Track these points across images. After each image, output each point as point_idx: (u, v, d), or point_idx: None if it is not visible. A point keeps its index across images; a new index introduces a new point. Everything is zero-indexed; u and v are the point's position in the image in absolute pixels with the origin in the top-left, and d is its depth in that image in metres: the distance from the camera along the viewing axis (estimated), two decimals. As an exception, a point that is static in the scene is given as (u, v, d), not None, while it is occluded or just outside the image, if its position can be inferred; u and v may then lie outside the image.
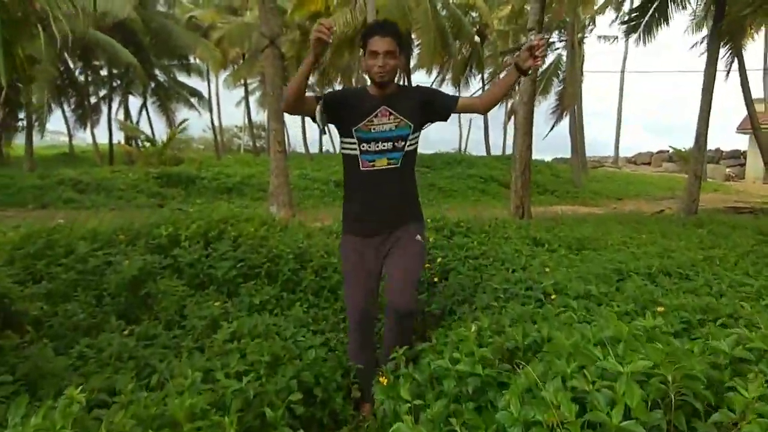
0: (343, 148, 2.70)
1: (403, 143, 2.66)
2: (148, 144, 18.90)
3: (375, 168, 2.65)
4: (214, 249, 4.06)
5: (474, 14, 24.03)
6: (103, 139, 25.95)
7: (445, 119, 2.81)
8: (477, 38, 23.86)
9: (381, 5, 16.71)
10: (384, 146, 2.63)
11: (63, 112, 25.94)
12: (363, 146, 2.63)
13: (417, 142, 2.75)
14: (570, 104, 21.43)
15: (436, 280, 3.86)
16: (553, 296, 3.16)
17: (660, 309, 2.51)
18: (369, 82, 2.70)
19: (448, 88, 25.72)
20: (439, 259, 4.17)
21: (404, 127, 2.64)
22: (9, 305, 3.02)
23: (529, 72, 2.66)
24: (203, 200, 12.64)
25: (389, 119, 2.62)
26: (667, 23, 15.26)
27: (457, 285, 3.63)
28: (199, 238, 4.24)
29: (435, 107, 2.74)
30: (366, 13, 14.40)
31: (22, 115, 21.09)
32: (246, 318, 3.08)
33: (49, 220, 8.76)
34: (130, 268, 3.63)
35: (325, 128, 2.60)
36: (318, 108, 2.47)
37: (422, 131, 2.81)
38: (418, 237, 2.75)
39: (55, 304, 3.45)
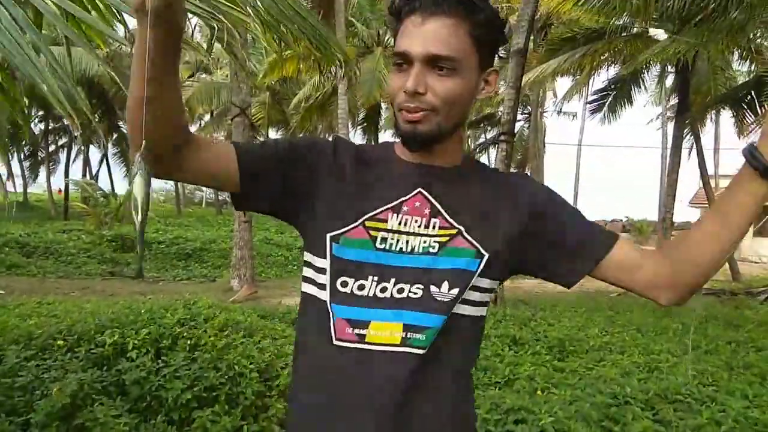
0: (303, 278, 1.11)
1: (455, 290, 1.04)
2: (103, 199, 18.11)
3: (367, 346, 1.02)
4: (166, 362, 3.57)
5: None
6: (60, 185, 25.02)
7: (566, 284, 1.12)
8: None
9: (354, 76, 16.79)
10: (404, 289, 1.03)
11: (19, 158, 25.01)
12: (344, 281, 1.04)
13: (487, 303, 1.12)
14: (534, 176, 21.80)
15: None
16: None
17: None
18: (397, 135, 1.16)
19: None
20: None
21: (468, 253, 1.05)
22: None
23: None
24: (159, 266, 12.02)
25: (428, 223, 1.06)
26: (631, 104, 15.81)
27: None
28: (149, 346, 3.74)
29: (555, 244, 1.09)
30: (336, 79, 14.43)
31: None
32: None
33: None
34: (63, 392, 3.11)
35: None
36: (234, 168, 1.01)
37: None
38: None
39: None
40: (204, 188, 44.61)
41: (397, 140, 1.11)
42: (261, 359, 3.74)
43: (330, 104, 18.63)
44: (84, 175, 27.46)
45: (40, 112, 23.98)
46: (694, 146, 15.20)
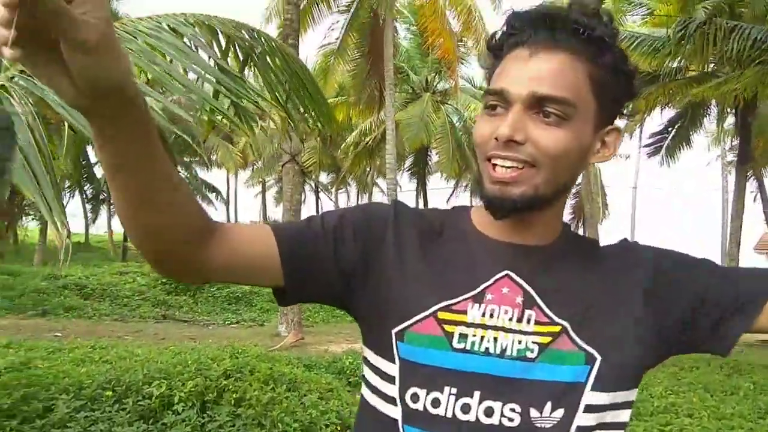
0: (365, 381, 0.88)
1: (559, 412, 0.77)
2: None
3: None
4: (211, 417, 3.54)
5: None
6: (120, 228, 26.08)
7: (723, 351, 0.84)
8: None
9: (401, 118, 17.03)
10: (493, 410, 0.76)
11: (82, 200, 26.24)
12: (414, 393, 0.79)
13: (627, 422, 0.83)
14: (591, 222, 21.25)
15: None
16: None
17: None
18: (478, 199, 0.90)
19: (464, 197, 25.80)
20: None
21: (575, 359, 0.78)
22: None
23: None
24: (209, 310, 12.20)
25: (521, 316, 0.80)
26: (689, 146, 15.32)
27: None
28: (194, 399, 3.73)
29: (697, 312, 0.82)
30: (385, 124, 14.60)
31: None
32: None
33: (45, 332, 8.32)
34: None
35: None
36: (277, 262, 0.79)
37: None
38: None
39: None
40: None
41: (475, 205, 0.89)
42: (304, 416, 3.65)
43: (379, 149, 18.86)
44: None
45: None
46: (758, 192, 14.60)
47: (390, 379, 0.81)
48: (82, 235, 31.01)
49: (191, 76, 2.14)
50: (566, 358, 0.78)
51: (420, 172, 22.50)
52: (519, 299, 0.80)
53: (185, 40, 1.90)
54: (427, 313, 0.80)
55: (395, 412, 0.80)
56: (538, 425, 0.76)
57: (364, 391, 0.88)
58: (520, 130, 0.75)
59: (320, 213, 0.87)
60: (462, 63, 17.85)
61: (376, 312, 0.84)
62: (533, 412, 0.76)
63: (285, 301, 0.85)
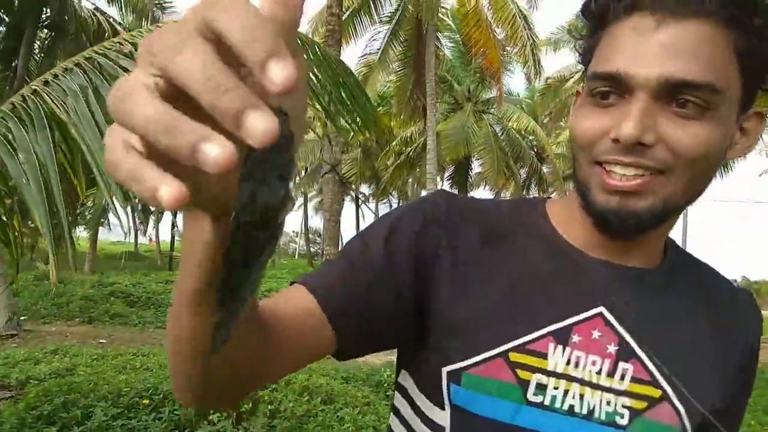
0: (398, 416, 0.71)
1: None
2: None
3: None
4: (246, 429, 3.50)
5: (531, 137, 24.18)
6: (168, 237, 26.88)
7: None
8: (537, 160, 23.86)
9: (441, 129, 16.92)
10: None
11: (133, 210, 27.08)
12: None
13: None
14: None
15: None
16: None
17: None
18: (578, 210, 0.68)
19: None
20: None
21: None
22: None
23: None
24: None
25: (613, 369, 0.63)
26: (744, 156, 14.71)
27: None
28: (230, 409, 3.70)
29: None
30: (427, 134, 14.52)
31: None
32: None
33: (91, 339, 8.51)
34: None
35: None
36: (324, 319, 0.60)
37: None
38: None
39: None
40: (296, 239, 46.25)
41: (552, 198, 0.73)
42: (340, 430, 3.56)
43: (420, 159, 18.78)
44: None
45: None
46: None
47: (437, 428, 0.64)
48: (131, 245, 31.98)
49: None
50: (662, 430, 0.61)
51: (461, 183, 22.28)
52: (612, 348, 0.62)
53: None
54: (495, 351, 0.61)
55: None
56: None
57: (396, 427, 0.70)
58: (649, 129, 0.56)
59: (360, 246, 0.65)
60: (506, 71, 17.64)
61: (426, 339, 0.64)
62: None
63: (346, 357, 0.65)
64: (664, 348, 0.63)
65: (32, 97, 2.12)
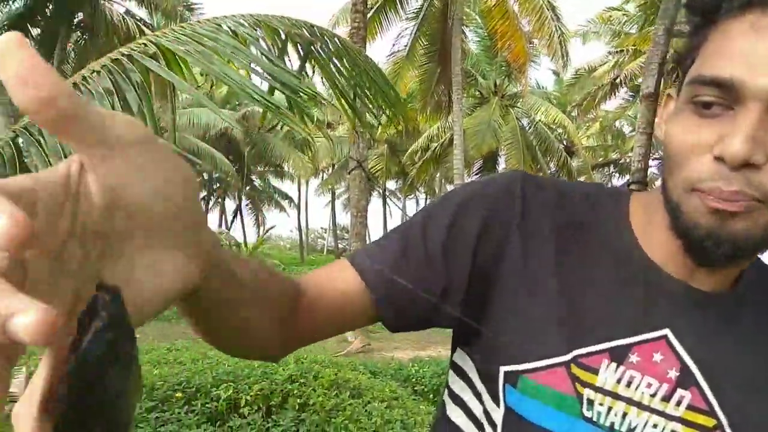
0: (451, 395, 0.69)
1: None
2: (235, 248, 19.40)
3: None
4: (276, 422, 3.55)
5: (560, 131, 23.90)
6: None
7: None
8: (565, 153, 23.58)
9: (468, 125, 16.81)
10: None
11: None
12: None
13: None
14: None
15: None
16: None
17: None
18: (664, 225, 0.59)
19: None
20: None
21: None
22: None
23: None
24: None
25: (670, 394, 0.59)
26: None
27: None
28: (260, 403, 3.76)
29: None
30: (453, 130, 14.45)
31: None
32: None
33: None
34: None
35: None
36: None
37: None
38: None
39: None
40: (326, 237, 46.53)
41: (637, 191, 0.65)
42: (368, 424, 3.58)
43: (446, 154, 18.71)
44: (220, 225, 29.76)
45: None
46: None
47: (492, 424, 0.62)
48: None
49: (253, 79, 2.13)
50: None
51: (489, 178, 22.15)
52: (672, 373, 0.58)
53: (243, 39, 1.90)
54: (559, 360, 0.58)
55: None
56: None
57: (452, 411, 0.67)
58: (760, 147, 0.48)
59: (421, 229, 0.62)
60: (533, 64, 17.43)
61: (485, 337, 0.62)
62: None
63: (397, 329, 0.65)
64: (728, 379, 0.58)
65: None
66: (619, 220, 0.63)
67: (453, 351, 0.69)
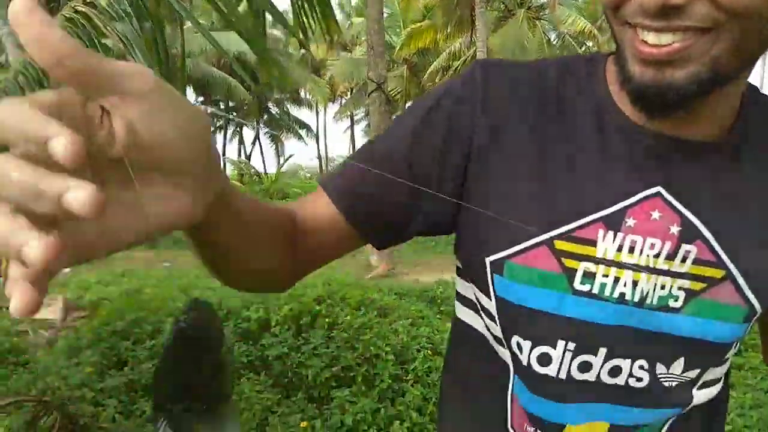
0: (458, 317, 0.72)
1: (692, 373, 0.61)
2: (255, 177, 19.53)
3: None
4: (306, 340, 3.64)
5: (590, 43, 22.91)
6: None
7: None
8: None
9: (495, 42, 16.17)
10: (620, 369, 0.59)
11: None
12: (517, 343, 0.61)
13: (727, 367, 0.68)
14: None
15: None
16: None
17: None
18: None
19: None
20: None
21: (734, 314, 0.58)
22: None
23: None
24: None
25: (674, 252, 0.57)
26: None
27: None
28: (290, 323, 3.84)
29: None
30: (476, 46, 13.92)
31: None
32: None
33: (156, 263, 8.97)
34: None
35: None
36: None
37: None
38: None
39: (134, 401, 3.18)
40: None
41: (613, 52, 0.60)
42: (395, 341, 3.65)
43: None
44: (239, 155, 29.83)
45: (200, 98, 26.30)
46: None
47: (490, 316, 0.63)
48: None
49: None
50: (723, 311, 0.57)
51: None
52: (674, 229, 0.56)
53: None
54: (538, 239, 0.57)
55: (507, 356, 0.63)
56: (665, 383, 0.60)
57: (461, 312, 0.70)
58: None
59: (386, 134, 0.64)
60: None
61: (468, 229, 0.62)
62: (659, 368, 0.59)
63: (384, 246, 0.67)
64: (734, 227, 0.57)
65: (81, 20, 2.07)
66: (594, 85, 0.60)
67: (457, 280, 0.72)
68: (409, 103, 28.69)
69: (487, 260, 0.60)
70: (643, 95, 0.52)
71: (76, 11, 2.09)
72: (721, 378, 0.66)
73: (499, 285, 0.60)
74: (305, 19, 2.32)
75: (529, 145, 0.58)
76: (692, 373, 0.60)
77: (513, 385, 0.63)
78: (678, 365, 0.59)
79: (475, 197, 0.60)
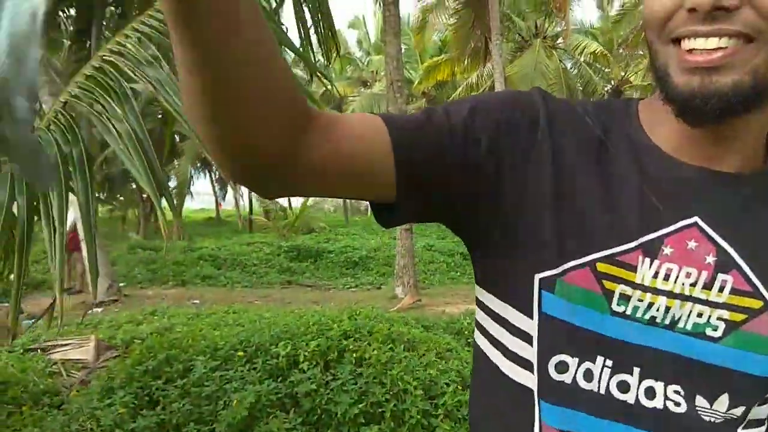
0: (481, 330, 0.71)
1: (738, 410, 0.60)
2: (281, 213, 19.76)
3: None
4: (334, 375, 3.63)
5: (607, 70, 22.93)
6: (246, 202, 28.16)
7: None
8: (614, 93, 22.69)
9: (513, 71, 16.28)
10: (654, 391, 0.60)
11: (211, 178, 28.24)
12: (562, 362, 0.61)
13: None
14: None
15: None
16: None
17: None
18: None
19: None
20: None
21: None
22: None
23: None
24: (330, 275, 12.68)
25: (711, 281, 0.59)
26: None
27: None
28: (318, 358, 3.84)
29: None
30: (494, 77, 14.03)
31: (172, 183, 23.05)
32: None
33: (184, 300, 9.08)
34: (242, 404, 3.28)
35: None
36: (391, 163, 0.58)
37: None
38: None
39: (165, 441, 3.20)
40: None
41: (644, 99, 0.66)
42: (424, 375, 3.62)
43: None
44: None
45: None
46: None
47: (527, 338, 0.62)
48: (213, 211, 33.47)
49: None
50: (764, 344, 0.58)
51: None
52: (710, 259, 0.58)
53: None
54: (583, 260, 0.59)
55: (530, 380, 0.62)
56: (706, 418, 0.59)
57: (481, 342, 0.70)
58: None
59: (444, 105, 0.63)
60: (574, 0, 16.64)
61: (510, 244, 0.62)
62: (700, 400, 0.59)
63: (391, 221, 0.64)
64: (767, 257, 0.58)
65: (110, 69, 2.16)
66: (630, 124, 0.64)
67: (479, 290, 0.71)
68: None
69: (537, 277, 0.61)
70: (687, 104, 0.54)
71: (104, 60, 2.18)
72: (764, 420, 0.64)
73: (548, 303, 0.60)
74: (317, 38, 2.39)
75: (579, 174, 0.61)
76: (737, 411, 0.60)
77: (539, 410, 0.62)
78: (723, 402, 0.59)
79: (522, 205, 0.61)
